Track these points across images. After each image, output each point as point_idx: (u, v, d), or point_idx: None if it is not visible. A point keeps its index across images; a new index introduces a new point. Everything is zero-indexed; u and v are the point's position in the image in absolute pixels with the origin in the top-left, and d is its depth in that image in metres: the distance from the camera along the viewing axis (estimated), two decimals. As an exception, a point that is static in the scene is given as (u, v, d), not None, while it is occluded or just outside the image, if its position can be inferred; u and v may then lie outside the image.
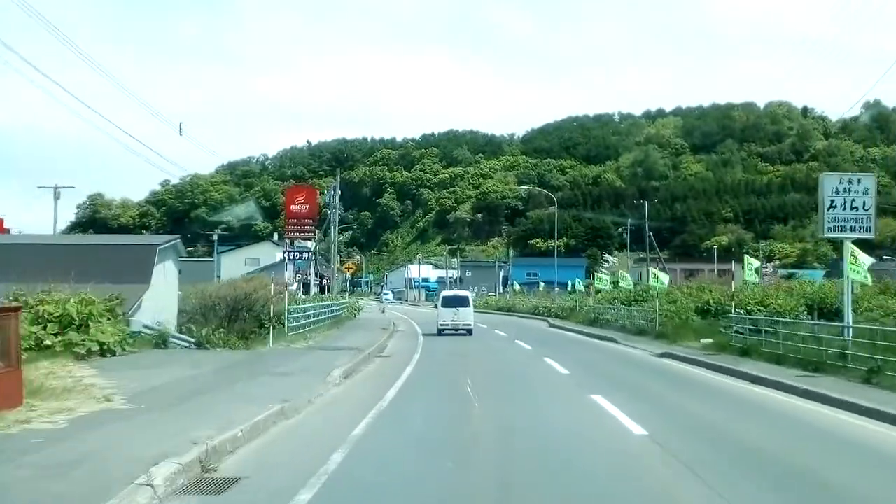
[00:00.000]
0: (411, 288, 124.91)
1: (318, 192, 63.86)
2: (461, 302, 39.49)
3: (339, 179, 57.25)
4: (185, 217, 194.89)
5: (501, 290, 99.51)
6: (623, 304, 43.78)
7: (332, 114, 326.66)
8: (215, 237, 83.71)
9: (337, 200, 60.18)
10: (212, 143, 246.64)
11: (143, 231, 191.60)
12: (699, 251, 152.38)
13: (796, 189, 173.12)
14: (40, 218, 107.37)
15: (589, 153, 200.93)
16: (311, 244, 68.21)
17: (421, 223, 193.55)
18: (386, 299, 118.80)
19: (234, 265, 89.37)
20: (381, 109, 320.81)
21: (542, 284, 73.73)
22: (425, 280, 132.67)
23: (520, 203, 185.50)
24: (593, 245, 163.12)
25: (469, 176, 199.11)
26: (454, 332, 37.69)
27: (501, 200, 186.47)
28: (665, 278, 39.80)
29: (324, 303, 43.50)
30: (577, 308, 50.96)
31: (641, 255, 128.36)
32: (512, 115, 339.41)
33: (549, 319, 53.44)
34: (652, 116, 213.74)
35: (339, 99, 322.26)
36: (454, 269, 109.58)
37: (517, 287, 78.10)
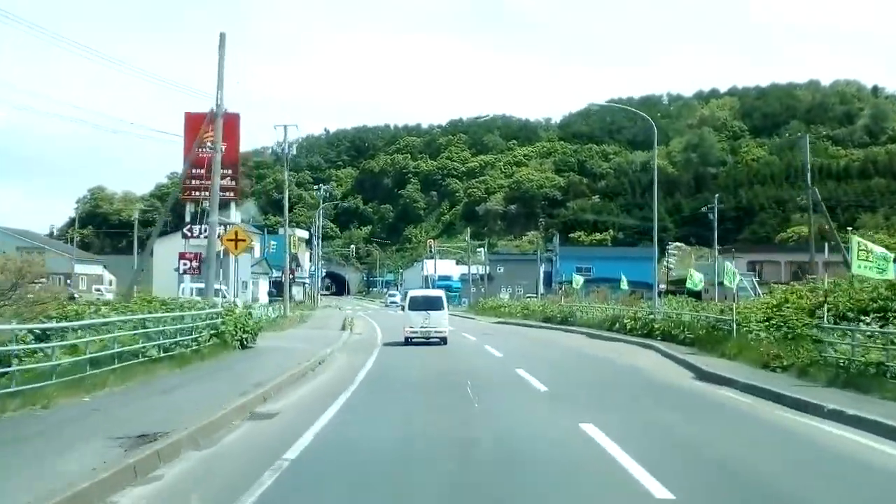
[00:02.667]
0: (427, 287, 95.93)
1: (238, 121, 35.47)
2: (433, 304, 29.24)
3: (223, 54, 27.87)
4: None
5: (543, 291, 69.94)
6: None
7: (351, 101, 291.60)
8: (135, 215, 55.46)
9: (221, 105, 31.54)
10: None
11: (147, 227, 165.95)
12: (772, 243, 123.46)
13: (880, 174, 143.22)
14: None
15: (635, 138, 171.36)
16: (235, 214, 39.97)
17: (447, 216, 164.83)
18: (392, 302, 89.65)
19: (171, 256, 61.51)
20: (404, 95, 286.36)
21: (626, 281, 43.72)
22: (445, 278, 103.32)
23: (558, 193, 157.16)
24: (645, 238, 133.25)
25: (501, 164, 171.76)
26: (425, 341, 28.00)
27: (538, 190, 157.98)
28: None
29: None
30: (732, 327, 21.68)
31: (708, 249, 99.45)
32: (547, 99, 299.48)
33: (658, 347, 24.52)
34: (704, 97, 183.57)
35: (359, 85, 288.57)
36: (482, 263, 79.41)
37: (577, 282, 47.88)
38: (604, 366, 21.73)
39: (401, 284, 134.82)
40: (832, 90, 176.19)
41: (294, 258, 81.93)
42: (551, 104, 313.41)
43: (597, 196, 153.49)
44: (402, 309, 34.12)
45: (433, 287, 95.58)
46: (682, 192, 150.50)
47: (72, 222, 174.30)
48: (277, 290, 71.72)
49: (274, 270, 72.88)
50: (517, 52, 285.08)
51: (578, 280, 46.62)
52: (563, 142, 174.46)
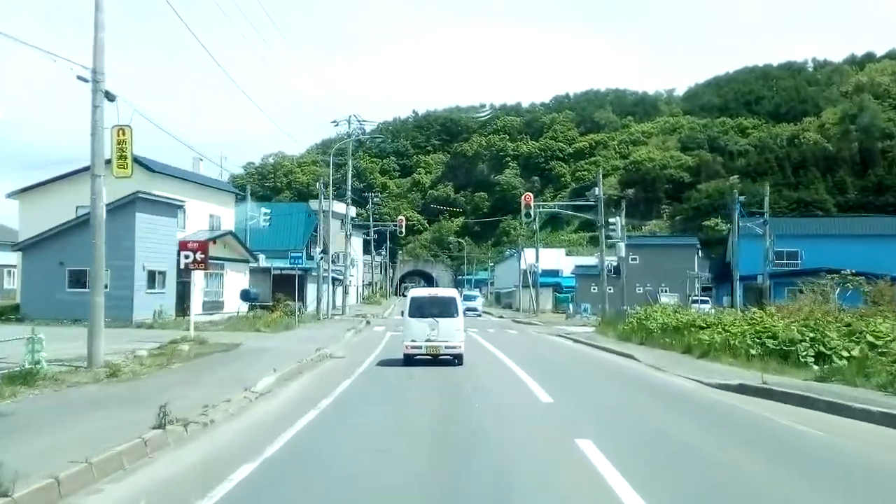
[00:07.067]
0: (525, 286, 64.18)
1: None
2: (443, 308, 19.77)
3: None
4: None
5: (740, 300, 36.76)
6: None
7: (442, 80, 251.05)
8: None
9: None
10: (305, 120, 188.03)
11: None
12: None
13: None
14: None
15: (777, 109, 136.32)
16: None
17: (545, 211, 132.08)
18: (467, 309, 57.63)
19: (47, 213, 32.36)
20: (501, 72, 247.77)
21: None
22: (551, 273, 71.64)
23: (686, 174, 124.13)
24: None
25: (615, 143, 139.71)
26: (431, 359, 19.37)
27: (660, 171, 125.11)
28: None
29: None
30: None
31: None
32: (668, 68, 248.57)
33: None
34: (858, 62, 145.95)
35: (452, 64, 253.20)
36: (617, 243, 44.30)
37: None
38: None
39: (492, 283, 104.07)
40: None
41: (312, 239, 51.33)
42: (673, 74, 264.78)
43: (735, 176, 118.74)
44: (402, 314, 22.80)
45: (536, 286, 64.77)
46: (845, 170, 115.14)
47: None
48: (275, 289, 41.20)
49: (264, 258, 42.74)
50: (630, 24, 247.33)
51: None
52: (688, 116, 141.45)
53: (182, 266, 21.52)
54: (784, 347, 18.98)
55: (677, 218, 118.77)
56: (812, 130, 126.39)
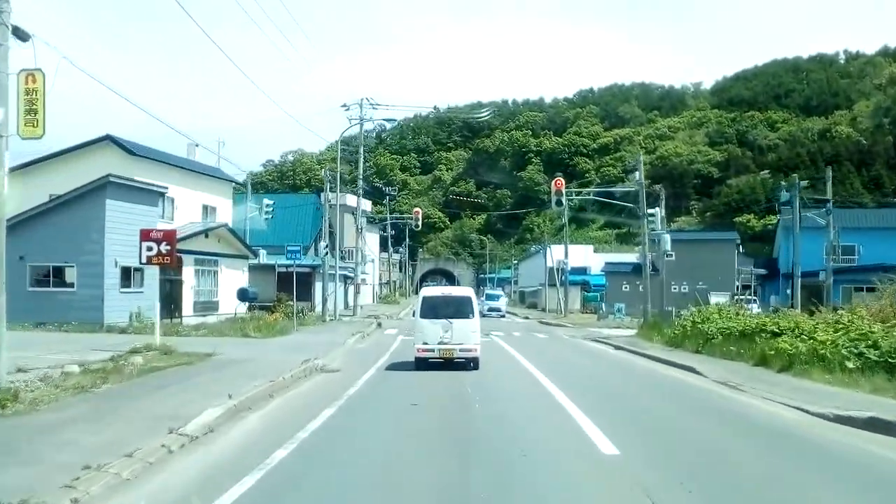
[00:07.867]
0: (552, 285, 59.97)
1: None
2: (457, 308, 18.28)
3: None
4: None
5: (776, 297, 32.40)
6: None
7: (464, 76, 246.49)
8: None
9: None
10: (325, 117, 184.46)
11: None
12: None
13: None
14: None
15: (808, 103, 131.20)
16: None
17: (576, 200, 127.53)
18: (490, 309, 53.06)
19: (16, 202, 28.30)
20: (524, 67, 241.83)
21: None
22: (579, 270, 67.02)
23: (714, 169, 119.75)
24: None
25: (640, 138, 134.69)
26: (443, 373, 16.97)
27: (688, 166, 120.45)
28: None
29: None
30: None
31: None
32: (695, 61, 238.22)
33: None
34: (892, 54, 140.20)
35: (474, 59, 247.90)
36: (662, 235, 38.30)
37: None
38: None
39: (515, 282, 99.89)
40: None
41: (321, 234, 47.38)
42: (700, 68, 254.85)
43: (766, 171, 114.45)
44: (413, 314, 21.95)
45: (565, 284, 59.97)
46: (880, 164, 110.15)
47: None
48: (280, 288, 37.27)
49: (265, 253, 38.98)
50: (655, 16, 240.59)
51: None
52: (717, 110, 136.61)
53: (144, 260, 17.54)
54: (889, 359, 14.93)
55: (707, 214, 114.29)
56: (844, 124, 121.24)
